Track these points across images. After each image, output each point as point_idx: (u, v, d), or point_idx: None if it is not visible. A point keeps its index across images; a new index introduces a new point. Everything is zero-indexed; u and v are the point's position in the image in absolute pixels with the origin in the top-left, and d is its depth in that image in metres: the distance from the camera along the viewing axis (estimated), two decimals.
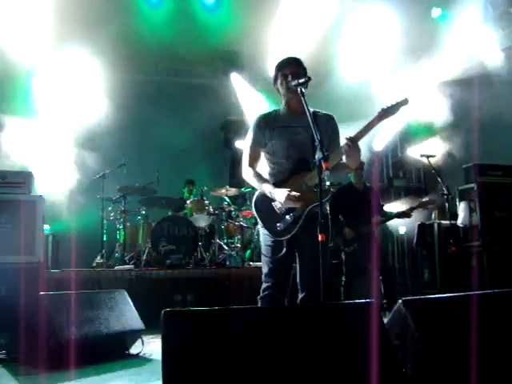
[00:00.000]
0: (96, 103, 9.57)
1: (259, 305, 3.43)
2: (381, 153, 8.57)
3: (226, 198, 8.53)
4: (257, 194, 3.66)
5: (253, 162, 3.62)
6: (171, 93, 10.66)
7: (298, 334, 2.14)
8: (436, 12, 9.44)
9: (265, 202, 3.52)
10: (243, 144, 3.75)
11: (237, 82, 11.00)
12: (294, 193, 3.31)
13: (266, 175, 3.62)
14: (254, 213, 3.63)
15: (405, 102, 3.35)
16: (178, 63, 10.67)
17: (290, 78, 3.48)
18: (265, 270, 3.53)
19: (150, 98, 10.38)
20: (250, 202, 9.14)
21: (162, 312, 2.02)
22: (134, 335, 4.67)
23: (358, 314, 2.27)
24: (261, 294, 3.48)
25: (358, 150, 3.29)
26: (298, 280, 3.51)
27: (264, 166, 3.67)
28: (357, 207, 6.24)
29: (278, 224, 3.43)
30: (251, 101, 10.76)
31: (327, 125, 3.60)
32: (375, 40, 9.23)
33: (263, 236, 3.57)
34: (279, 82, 3.59)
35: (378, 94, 8.87)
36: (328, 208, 6.33)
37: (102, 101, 9.66)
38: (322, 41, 8.62)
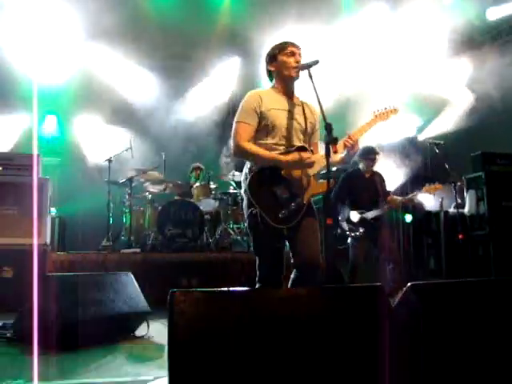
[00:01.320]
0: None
1: None
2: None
3: (232, 182, 8.52)
4: (250, 176, 3.37)
5: (248, 140, 3.38)
6: (180, 76, 10.63)
7: (303, 317, 2.13)
8: None
9: (263, 185, 3.31)
10: (235, 120, 3.47)
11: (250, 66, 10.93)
12: (305, 154, 3.29)
13: None
14: (249, 196, 3.32)
15: (395, 111, 3.51)
16: (185, 45, 10.58)
17: (298, 57, 3.41)
18: (262, 256, 3.42)
19: (157, 81, 10.37)
20: None
21: (170, 292, 2.02)
22: (139, 317, 4.69)
23: (365, 297, 2.26)
24: (257, 285, 3.37)
25: (357, 146, 3.39)
26: (292, 261, 3.44)
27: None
28: (364, 193, 6.22)
29: (281, 211, 3.26)
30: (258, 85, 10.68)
31: (314, 114, 3.61)
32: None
33: (259, 222, 3.27)
34: (282, 58, 3.45)
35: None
36: (334, 193, 6.41)
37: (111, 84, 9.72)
38: None
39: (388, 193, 6.55)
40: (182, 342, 1.97)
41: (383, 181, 6.54)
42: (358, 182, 6.35)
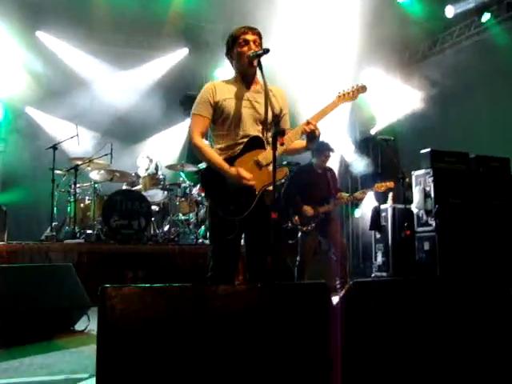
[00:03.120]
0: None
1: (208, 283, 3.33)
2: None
3: (181, 173, 8.37)
4: (205, 168, 3.40)
5: (200, 132, 3.34)
6: (129, 64, 10.41)
7: (245, 315, 2.05)
8: None
9: (215, 178, 3.26)
10: (191, 111, 3.40)
11: (197, 57, 10.82)
12: (246, 173, 3.19)
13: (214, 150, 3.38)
14: (204, 188, 3.44)
15: (363, 88, 3.43)
16: (137, 34, 10.36)
17: (252, 46, 3.28)
18: (213, 248, 3.36)
19: (106, 69, 10.12)
20: None
21: (100, 288, 1.90)
22: (79, 311, 4.53)
23: (308, 295, 2.19)
24: (209, 274, 3.33)
25: (318, 131, 3.25)
26: (245, 260, 3.40)
27: (212, 140, 3.44)
28: (315, 188, 6.19)
29: (231, 204, 3.22)
30: (213, 77, 10.59)
31: (280, 99, 3.47)
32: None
33: (213, 214, 3.33)
34: (236, 49, 3.32)
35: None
36: (285, 188, 6.38)
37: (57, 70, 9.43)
38: None
39: (338, 189, 6.57)
40: (111, 339, 1.86)
41: (335, 177, 6.55)
42: (310, 177, 6.32)
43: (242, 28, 3.36)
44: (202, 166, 8.63)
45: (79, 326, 4.49)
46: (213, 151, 3.32)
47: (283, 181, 5.72)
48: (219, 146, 3.35)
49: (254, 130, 3.35)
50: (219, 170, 3.23)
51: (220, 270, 3.30)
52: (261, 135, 3.32)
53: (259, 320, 2.07)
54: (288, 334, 2.10)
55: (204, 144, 3.33)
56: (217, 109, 3.32)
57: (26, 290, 4.09)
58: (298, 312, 2.14)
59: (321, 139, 5.92)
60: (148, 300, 1.94)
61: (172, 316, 1.94)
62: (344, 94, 3.40)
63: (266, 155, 3.25)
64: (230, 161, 3.26)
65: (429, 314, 2.40)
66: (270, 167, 3.03)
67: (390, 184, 6.27)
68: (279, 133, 2.85)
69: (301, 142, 3.38)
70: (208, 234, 3.63)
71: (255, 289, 2.08)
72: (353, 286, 2.19)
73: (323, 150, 6.29)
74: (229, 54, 3.44)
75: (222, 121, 3.34)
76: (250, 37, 3.32)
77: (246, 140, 3.31)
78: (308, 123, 3.24)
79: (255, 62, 3.21)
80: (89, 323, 4.48)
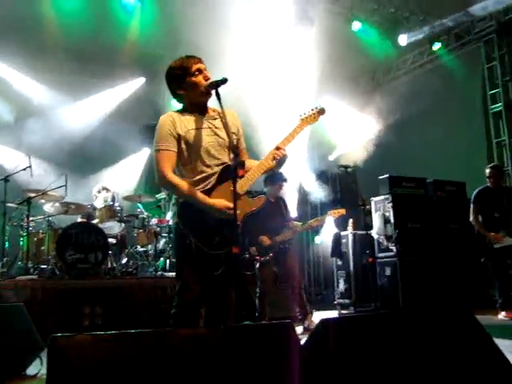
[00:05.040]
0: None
1: (173, 321, 3.18)
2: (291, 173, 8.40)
3: (139, 204, 8.19)
4: (180, 203, 3.22)
5: (171, 167, 3.18)
6: (84, 93, 10.25)
7: (211, 358, 1.93)
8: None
9: (194, 212, 3.14)
10: (154, 148, 3.25)
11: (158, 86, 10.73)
12: (228, 203, 3.09)
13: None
14: (182, 226, 3.16)
15: (322, 110, 3.43)
16: (92, 62, 10.19)
17: (207, 75, 3.24)
18: (182, 286, 3.19)
19: (61, 98, 9.91)
20: (165, 209, 9.01)
21: (50, 337, 1.76)
22: (31, 354, 4.28)
23: (274, 335, 2.09)
24: (173, 310, 3.17)
25: (286, 155, 3.25)
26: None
27: (178, 174, 3.27)
28: (270, 217, 6.13)
29: (215, 237, 3.11)
30: (170, 105, 10.51)
31: (234, 120, 3.43)
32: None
33: (194, 250, 3.11)
34: (190, 79, 3.23)
35: None
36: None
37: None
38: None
39: (291, 218, 6.59)
40: None
41: (287, 206, 6.56)
42: (264, 207, 6.26)
43: (191, 58, 3.30)
44: (161, 196, 8.50)
45: (31, 371, 4.24)
46: (191, 186, 3.16)
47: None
48: (190, 181, 3.21)
49: (223, 156, 3.28)
50: (201, 205, 3.12)
51: (187, 308, 3.16)
52: (228, 162, 3.25)
53: (224, 364, 1.95)
54: (256, 378, 1.99)
55: (180, 180, 3.18)
56: (181, 142, 3.20)
57: None
58: (266, 354, 2.03)
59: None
60: (103, 348, 1.80)
61: (129, 365, 1.80)
62: (306, 117, 3.39)
63: (241, 184, 3.19)
64: (206, 193, 3.17)
65: (396, 348, 2.34)
66: (246, 196, 3.10)
67: (342, 211, 6.41)
68: (239, 164, 2.77)
69: (265, 165, 3.28)
70: (176, 270, 3.39)
71: (219, 332, 1.96)
72: (321, 324, 2.10)
73: (277, 180, 6.28)
74: (179, 89, 3.32)
75: (188, 153, 3.21)
76: (201, 66, 3.28)
77: (217, 170, 3.23)
78: (278, 148, 3.21)
79: (213, 91, 3.14)
80: (41, 367, 4.22)
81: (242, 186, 3.19)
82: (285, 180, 6.38)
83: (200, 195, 3.14)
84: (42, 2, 7.95)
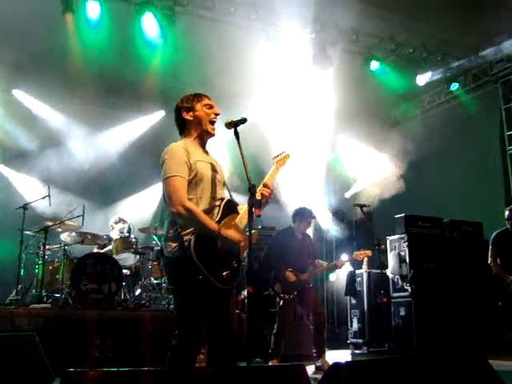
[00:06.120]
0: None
1: (171, 353, 3.13)
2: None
3: (154, 236, 8.22)
4: (196, 235, 3.07)
5: (186, 194, 3.13)
6: (105, 125, 10.40)
7: None
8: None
9: (207, 247, 3.06)
10: (168, 175, 3.15)
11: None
12: (239, 235, 3.16)
13: None
14: (195, 261, 2.99)
15: (288, 156, 3.54)
16: (114, 94, 10.36)
17: (217, 110, 3.36)
18: (186, 319, 3.11)
19: (82, 129, 10.08)
20: None
21: (63, 372, 1.77)
22: None
23: (286, 377, 2.08)
24: (174, 342, 3.11)
25: (273, 193, 3.30)
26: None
27: None
28: (297, 254, 6.10)
29: (224, 270, 3.09)
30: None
31: (222, 170, 3.53)
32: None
33: (205, 286, 3.02)
34: (201, 111, 3.35)
35: None
36: (265, 252, 6.28)
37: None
38: None
39: (317, 256, 6.52)
40: None
41: (313, 243, 6.50)
42: (291, 243, 6.22)
43: (200, 94, 3.45)
44: None
45: None
46: (205, 215, 3.13)
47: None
48: None
49: (221, 192, 3.36)
50: (216, 234, 3.08)
51: (189, 341, 3.10)
52: (230, 198, 3.34)
53: None
54: None
55: (195, 207, 3.12)
56: (191, 171, 3.20)
57: None
58: None
59: (303, 205, 5.96)
60: None
61: None
62: (278, 161, 3.49)
63: (240, 219, 3.23)
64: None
65: None
66: (246, 230, 3.06)
67: (368, 253, 6.30)
68: (256, 204, 2.80)
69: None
70: (181, 303, 3.20)
71: (229, 372, 1.96)
72: (332, 368, 2.08)
73: (307, 217, 6.25)
74: (188, 114, 3.41)
75: (195, 183, 3.22)
76: (212, 103, 3.41)
77: (220, 203, 3.27)
78: (267, 186, 3.26)
79: (232, 129, 3.19)
80: None
81: (241, 221, 3.23)
82: (314, 217, 6.35)
83: (214, 225, 3.12)
84: (68, 35, 8.12)
